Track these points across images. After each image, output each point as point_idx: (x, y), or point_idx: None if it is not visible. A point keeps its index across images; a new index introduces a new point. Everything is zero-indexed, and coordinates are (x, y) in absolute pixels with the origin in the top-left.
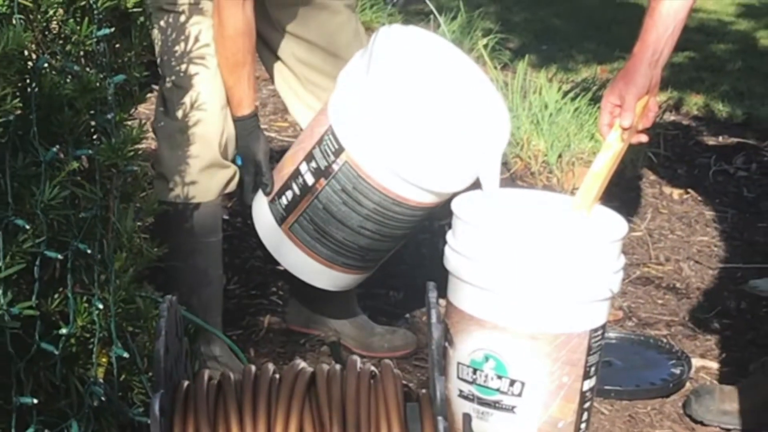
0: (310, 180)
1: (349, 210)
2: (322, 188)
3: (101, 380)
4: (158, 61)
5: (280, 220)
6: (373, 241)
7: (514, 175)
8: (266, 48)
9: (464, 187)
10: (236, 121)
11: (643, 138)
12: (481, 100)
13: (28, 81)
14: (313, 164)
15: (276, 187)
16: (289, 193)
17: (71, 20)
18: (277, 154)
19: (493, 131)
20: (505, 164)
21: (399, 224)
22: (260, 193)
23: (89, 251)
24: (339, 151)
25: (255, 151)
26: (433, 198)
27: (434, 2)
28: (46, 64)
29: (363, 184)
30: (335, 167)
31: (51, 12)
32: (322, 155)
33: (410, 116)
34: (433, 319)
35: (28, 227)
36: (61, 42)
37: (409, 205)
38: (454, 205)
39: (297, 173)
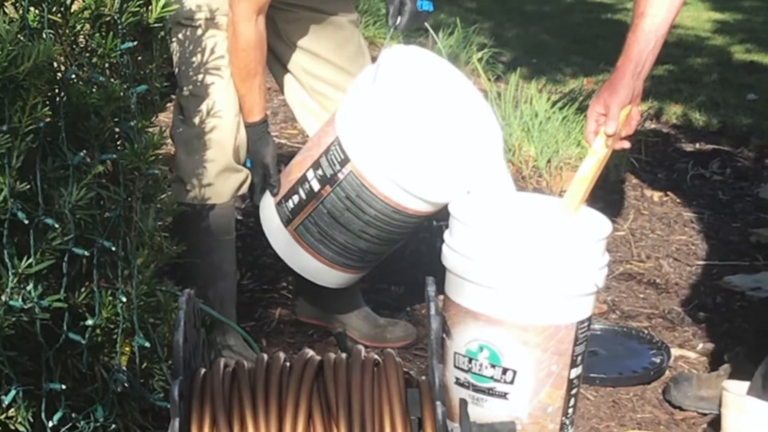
0: (316, 186)
1: (352, 216)
2: (327, 195)
3: (124, 368)
4: (176, 71)
5: (286, 222)
6: (372, 245)
7: (509, 171)
8: (276, 60)
9: (456, 198)
10: (247, 126)
11: (626, 144)
12: (476, 119)
13: (57, 91)
14: (320, 172)
15: (283, 191)
16: (295, 197)
17: (97, 34)
18: (286, 159)
19: (485, 148)
20: None
21: (397, 230)
22: (268, 195)
23: (113, 248)
24: (345, 161)
25: (264, 155)
26: (429, 207)
27: (433, 20)
28: (73, 75)
29: (366, 192)
30: (341, 176)
31: (78, 27)
32: (328, 164)
33: (411, 133)
34: (432, 312)
35: (57, 226)
36: (87, 55)
37: (408, 213)
38: (451, 207)
39: (304, 179)
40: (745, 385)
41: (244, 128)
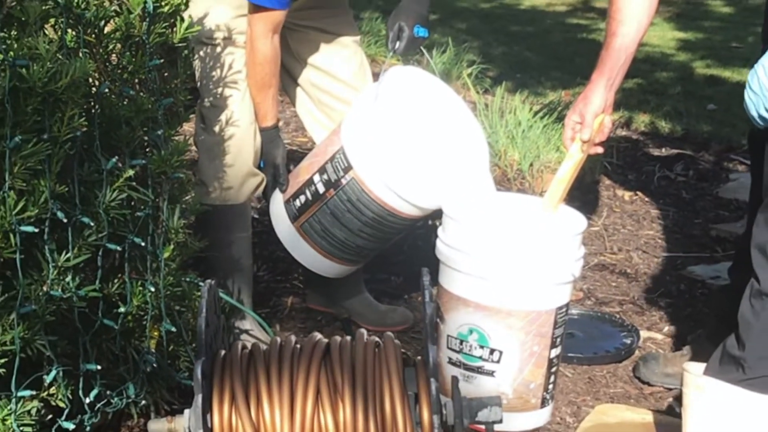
0: (321, 189)
1: (352, 217)
2: (331, 197)
3: (153, 350)
4: (198, 85)
5: (293, 219)
6: (369, 242)
7: (493, 181)
8: (288, 76)
9: (439, 206)
10: (261, 130)
11: (600, 149)
12: (465, 134)
13: (92, 103)
14: (325, 176)
15: (291, 191)
16: (302, 198)
17: (127, 53)
18: (297, 163)
19: (472, 160)
20: None
21: (391, 230)
22: (278, 193)
23: (143, 244)
24: (348, 168)
25: (275, 156)
26: (420, 212)
27: (427, 40)
28: (107, 90)
29: (365, 197)
30: (343, 181)
31: (111, 46)
32: (333, 170)
33: (407, 147)
34: (427, 299)
35: (92, 224)
36: (119, 71)
37: (401, 217)
38: (444, 206)
39: (310, 182)
40: (704, 366)
41: (258, 135)
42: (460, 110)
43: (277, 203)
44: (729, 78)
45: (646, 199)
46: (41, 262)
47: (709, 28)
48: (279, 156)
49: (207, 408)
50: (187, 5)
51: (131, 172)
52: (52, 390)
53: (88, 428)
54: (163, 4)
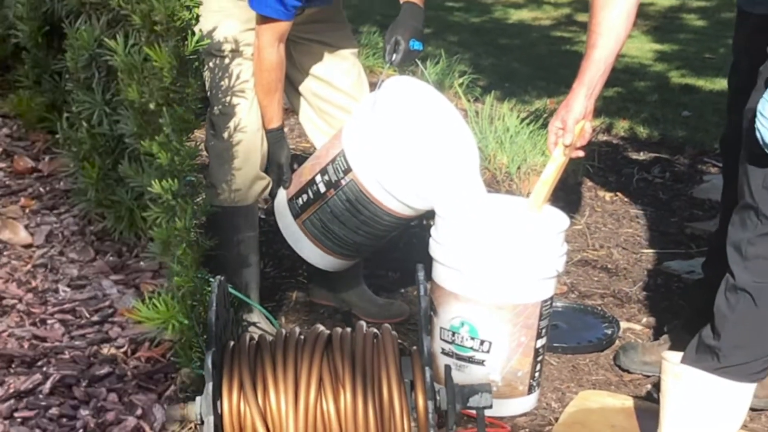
0: (322, 189)
1: (350, 215)
2: (331, 197)
3: None
4: (208, 93)
5: (296, 216)
6: (365, 239)
7: (483, 183)
8: (291, 86)
9: (432, 206)
10: (267, 132)
11: (581, 153)
12: (457, 139)
13: None
14: (326, 177)
15: (294, 190)
16: (304, 196)
17: None
18: (300, 165)
19: (463, 164)
20: None
21: (386, 228)
22: (282, 191)
23: None
24: (348, 170)
25: (279, 156)
26: (413, 212)
27: (422, 52)
28: None
29: (363, 197)
30: (343, 182)
31: None
32: (333, 171)
33: (402, 151)
34: (421, 294)
35: None
36: None
37: (396, 216)
38: (437, 207)
39: (312, 182)
40: (681, 355)
41: (265, 141)
42: (453, 117)
43: (281, 201)
44: (702, 87)
45: (626, 199)
46: None
47: (684, 40)
48: (283, 156)
49: (217, 395)
50: (197, 20)
51: None
52: None
53: None
54: (175, 19)
